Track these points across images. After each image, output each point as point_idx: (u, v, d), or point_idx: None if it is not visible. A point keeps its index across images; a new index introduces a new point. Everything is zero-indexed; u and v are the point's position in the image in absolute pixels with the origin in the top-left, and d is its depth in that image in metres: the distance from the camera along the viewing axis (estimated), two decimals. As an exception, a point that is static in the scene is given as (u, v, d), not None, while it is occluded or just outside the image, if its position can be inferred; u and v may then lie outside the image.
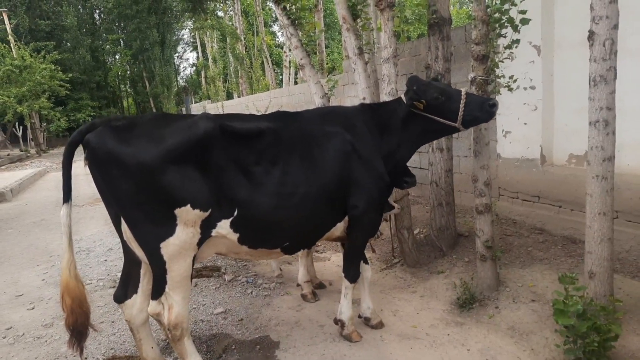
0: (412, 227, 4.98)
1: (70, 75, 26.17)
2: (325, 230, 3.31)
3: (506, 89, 3.81)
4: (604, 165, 3.13)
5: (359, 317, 3.84)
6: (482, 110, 3.22)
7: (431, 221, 5.19)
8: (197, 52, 38.68)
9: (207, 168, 2.71)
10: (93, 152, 2.58)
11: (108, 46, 40.10)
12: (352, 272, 3.55)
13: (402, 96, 3.48)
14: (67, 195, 2.68)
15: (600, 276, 3.24)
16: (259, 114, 3.45)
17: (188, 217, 2.67)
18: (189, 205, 2.65)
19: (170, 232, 2.67)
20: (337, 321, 3.63)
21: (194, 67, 49.64)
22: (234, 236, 2.90)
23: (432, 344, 3.53)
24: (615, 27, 2.97)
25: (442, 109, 3.29)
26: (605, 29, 2.96)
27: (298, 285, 4.50)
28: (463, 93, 3.24)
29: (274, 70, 20.89)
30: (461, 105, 3.23)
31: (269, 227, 2.98)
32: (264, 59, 18.73)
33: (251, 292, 4.64)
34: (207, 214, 2.73)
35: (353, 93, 8.89)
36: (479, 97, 3.38)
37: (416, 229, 5.64)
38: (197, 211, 2.68)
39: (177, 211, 2.64)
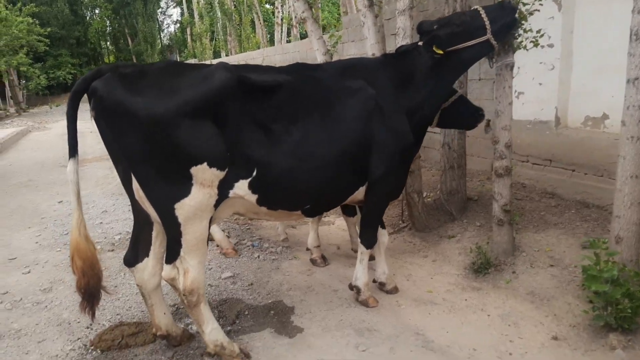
0: (421, 190, 4.84)
1: (48, 29, 25.00)
2: (348, 194, 3.13)
3: (531, 44, 3.58)
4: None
5: (374, 281, 3.73)
6: (505, 11, 3.23)
7: (441, 185, 5.05)
8: (182, 8, 37.14)
9: (224, 123, 2.47)
10: (100, 102, 2.32)
11: (87, -1, 38.28)
12: (369, 237, 3.40)
13: (420, 45, 3.26)
14: (73, 150, 2.44)
15: (628, 241, 3.15)
16: None
17: (204, 177, 2.46)
18: (205, 164, 2.43)
19: (186, 192, 2.46)
20: (352, 287, 3.51)
21: (178, 25, 47.85)
22: (253, 197, 2.71)
23: (451, 309, 3.45)
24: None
25: (468, 32, 3.18)
26: (655, -23, 2.74)
27: (307, 249, 4.35)
28: (479, 8, 3.21)
29: (264, 28, 20.11)
30: (484, 17, 3.16)
31: (288, 189, 2.79)
32: (255, 15, 17.94)
33: (258, 256, 4.49)
34: (224, 173, 2.52)
35: (353, 51, 8.55)
36: (494, 4, 3.33)
37: (423, 192, 5.51)
38: (213, 170, 2.46)
39: (193, 170, 2.42)
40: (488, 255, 3.97)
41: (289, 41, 17.04)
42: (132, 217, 2.90)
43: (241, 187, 2.64)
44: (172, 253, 2.60)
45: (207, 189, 2.50)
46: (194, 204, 2.49)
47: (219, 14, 22.35)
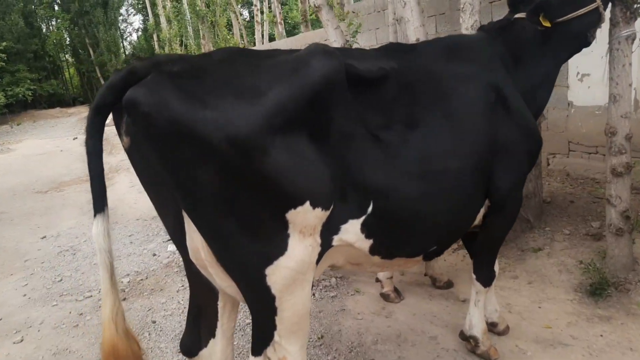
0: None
1: (3, 44, 23.27)
2: (473, 219, 2.30)
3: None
4: None
5: (480, 322, 2.92)
6: None
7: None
8: (146, 13, 35.56)
9: (326, 137, 1.61)
10: (146, 122, 1.41)
11: (42, 10, 36.18)
12: (486, 272, 2.60)
13: (519, 17, 2.50)
14: (100, 202, 1.52)
15: None
16: None
17: (306, 222, 1.59)
18: (307, 203, 1.56)
19: (281, 248, 1.59)
20: (467, 337, 2.69)
21: (142, 32, 46.01)
22: (365, 244, 1.85)
23: (589, 351, 2.68)
24: None
25: (568, 3, 2.48)
26: None
27: (377, 280, 3.51)
28: None
29: (243, 28, 19.01)
30: None
31: (415, 226, 1.95)
32: (233, 14, 16.80)
33: (313, 294, 3.63)
34: (328, 212, 1.66)
35: (370, 42, 7.63)
36: None
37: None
38: (318, 211, 1.60)
39: (291, 215, 1.55)
40: (603, 273, 3.22)
41: (271, 40, 16.16)
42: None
43: (351, 231, 1.78)
44: (262, 338, 1.73)
45: (308, 240, 1.64)
46: (294, 264, 1.62)
47: (190, 16, 21.15)
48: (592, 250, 3.62)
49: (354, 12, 6.14)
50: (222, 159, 1.41)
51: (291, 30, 18.20)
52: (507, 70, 2.41)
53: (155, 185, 1.61)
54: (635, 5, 2.77)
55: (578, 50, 2.71)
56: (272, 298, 1.64)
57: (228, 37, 16.90)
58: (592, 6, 2.52)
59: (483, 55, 2.36)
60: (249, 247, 1.56)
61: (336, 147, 1.63)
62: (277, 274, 1.61)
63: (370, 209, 1.76)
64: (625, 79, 2.94)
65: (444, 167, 1.91)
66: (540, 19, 2.45)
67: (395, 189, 1.78)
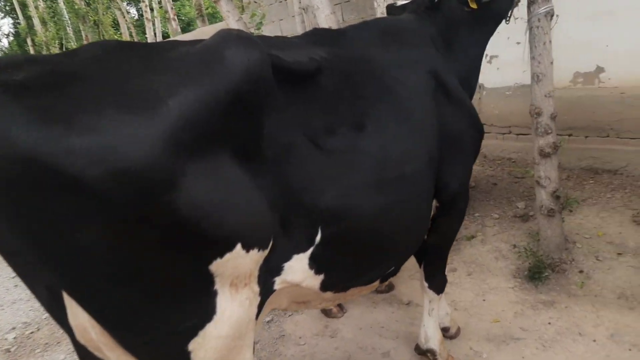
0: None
1: None
2: (428, 225, 2.03)
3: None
4: None
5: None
6: None
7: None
8: (17, 16, 31.72)
9: (255, 152, 1.22)
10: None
11: None
12: (439, 278, 2.37)
13: None
14: None
15: None
16: None
17: (238, 271, 1.19)
18: (238, 247, 1.15)
19: (207, 313, 1.16)
20: (424, 351, 2.46)
21: (12, 36, 41.06)
22: (315, 280, 1.49)
23: (542, 342, 2.58)
24: None
25: None
26: None
27: (315, 298, 3.17)
28: None
29: (132, 25, 17.41)
30: None
31: (374, 247, 1.61)
32: (118, 12, 15.24)
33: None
34: (267, 251, 1.27)
35: (278, 33, 7.19)
36: None
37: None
38: (253, 253, 1.20)
39: (217, 265, 1.13)
40: (539, 255, 3.19)
41: (165, 37, 14.96)
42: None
43: (296, 269, 1.41)
44: None
45: (244, 293, 1.23)
46: (227, 330, 1.20)
47: (68, 16, 19.05)
48: (523, 232, 3.61)
49: (255, 2, 5.70)
50: (107, 207, 0.95)
51: (186, 27, 17.12)
52: (442, 54, 2.18)
53: (10, 255, 1.10)
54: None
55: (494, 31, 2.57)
56: (200, 379, 1.22)
57: (116, 36, 15.45)
58: None
59: (418, 39, 2.09)
60: (161, 320, 1.12)
61: (271, 164, 1.23)
62: (205, 348, 1.18)
63: (318, 237, 1.39)
64: (547, 57, 2.87)
65: (400, 173, 1.59)
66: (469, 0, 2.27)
67: (349, 208, 1.42)
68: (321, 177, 1.36)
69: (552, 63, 2.89)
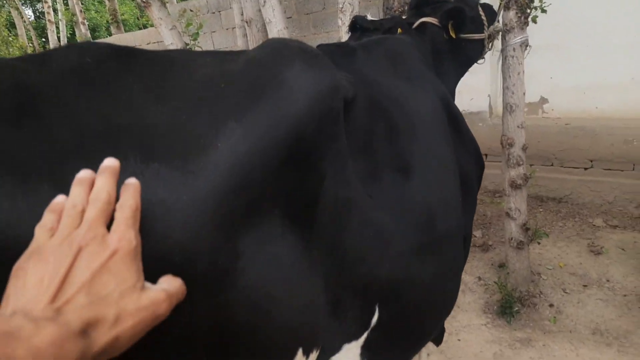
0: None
1: None
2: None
3: (539, 11, 2.79)
4: None
5: (414, 379, 2.46)
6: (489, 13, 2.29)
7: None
8: None
9: (312, 214, 0.82)
10: None
11: None
12: (440, 329, 2.12)
13: (429, 19, 2.15)
14: None
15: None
16: None
17: None
18: (299, 353, 0.79)
19: None
20: (419, 409, 2.17)
21: None
22: None
23: (529, 388, 2.44)
24: None
25: (479, 21, 2.24)
26: None
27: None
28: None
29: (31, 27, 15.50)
30: (480, 12, 2.24)
31: (428, 319, 1.30)
32: (15, 11, 13.36)
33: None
34: (319, 349, 0.91)
35: (226, 43, 6.60)
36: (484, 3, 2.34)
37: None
38: (312, 356, 0.84)
39: None
40: (508, 289, 3.10)
41: (70, 40, 13.41)
42: None
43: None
44: None
45: None
46: None
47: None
48: (485, 264, 3.53)
49: (192, 11, 5.22)
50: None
51: (91, 33, 15.74)
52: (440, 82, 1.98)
53: None
54: (528, 10, 2.64)
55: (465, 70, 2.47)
56: None
57: (10, 39, 13.73)
58: (482, 36, 2.31)
59: (424, 63, 1.86)
60: None
61: (326, 229, 0.88)
62: None
63: (375, 319, 1.05)
64: (520, 88, 2.81)
65: (448, 224, 1.31)
66: (450, 26, 2.11)
67: (407, 277, 1.10)
68: (378, 240, 1.03)
69: (524, 94, 2.84)
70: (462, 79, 3.42)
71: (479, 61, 2.46)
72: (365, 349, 1.05)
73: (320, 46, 1.62)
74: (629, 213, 3.82)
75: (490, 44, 2.38)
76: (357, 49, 1.62)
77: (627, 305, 2.86)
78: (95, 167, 0.53)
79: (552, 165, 4.24)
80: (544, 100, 4.26)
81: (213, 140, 0.62)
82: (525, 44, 2.75)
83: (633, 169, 3.87)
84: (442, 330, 2.12)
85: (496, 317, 3.02)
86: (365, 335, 1.04)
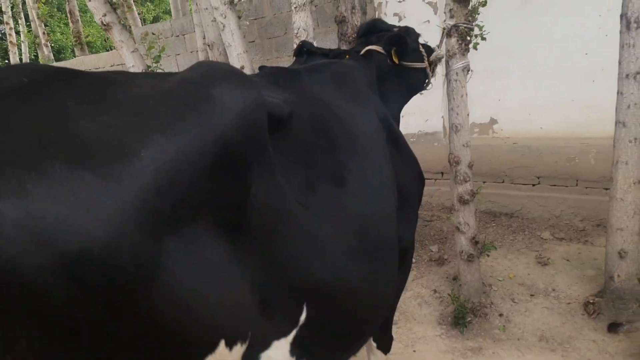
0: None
1: None
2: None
3: (479, 38, 3.00)
4: (643, 126, 2.65)
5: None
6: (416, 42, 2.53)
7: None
8: None
9: (241, 219, 0.94)
10: None
11: None
12: (387, 338, 2.22)
13: (374, 47, 2.33)
14: None
15: (632, 254, 2.82)
16: None
17: None
18: (221, 345, 0.88)
19: None
20: (370, 418, 2.24)
21: None
22: None
23: (479, 395, 2.54)
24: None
25: (419, 51, 2.48)
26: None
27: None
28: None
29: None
30: (421, 48, 2.49)
31: (361, 320, 1.40)
32: None
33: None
34: (247, 343, 1.00)
35: (174, 68, 6.72)
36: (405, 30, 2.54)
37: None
38: (236, 349, 0.93)
39: None
40: (461, 301, 3.23)
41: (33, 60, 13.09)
42: None
43: (276, 358, 1.14)
44: None
45: None
46: None
47: None
48: (440, 277, 3.66)
49: (154, 34, 5.30)
50: (52, 311, 0.62)
51: (56, 55, 15.50)
52: (385, 103, 2.14)
53: None
54: (468, 37, 2.84)
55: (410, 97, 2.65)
56: None
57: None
58: (424, 65, 2.51)
59: (367, 87, 2.01)
60: None
61: (254, 234, 0.98)
62: None
63: (303, 317, 1.14)
64: (464, 109, 2.99)
65: (381, 233, 1.43)
66: (393, 52, 2.30)
67: (337, 279, 1.20)
68: (308, 244, 1.13)
69: (468, 115, 3.03)
70: (418, 102, 3.65)
71: (426, 88, 2.65)
72: (294, 346, 1.14)
73: (263, 68, 1.75)
74: (574, 226, 4.05)
75: (433, 72, 2.56)
76: (302, 72, 1.75)
77: (570, 312, 3.02)
78: (25, 174, 0.61)
79: (502, 182, 4.46)
80: (493, 121, 4.51)
81: (138, 151, 0.71)
82: (467, 69, 2.94)
83: (576, 185, 4.12)
84: (390, 338, 2.22)
85: (450, 328, 3.14)
86: (294, 332, 1.13)
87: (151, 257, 0.70)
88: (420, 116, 4.75)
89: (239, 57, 3.80)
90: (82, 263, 0.61)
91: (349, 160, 1.43)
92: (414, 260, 3.90)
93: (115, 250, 0.64)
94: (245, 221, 0.94)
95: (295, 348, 1.15)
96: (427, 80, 2.59)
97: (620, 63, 2.62)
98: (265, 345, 1.08)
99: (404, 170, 1.92)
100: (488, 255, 3.43)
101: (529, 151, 4.23)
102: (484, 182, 4.58)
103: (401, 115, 4.81)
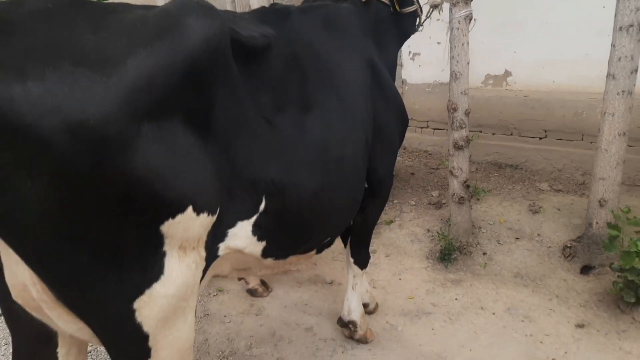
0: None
1: None
2: (360, 204, 2.16)
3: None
4: (631, 79, 2.75)
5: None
6: None
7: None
8: None
9: (207, 122, 1.25)
10: None
11: None
12: (363, 255, 2.54)
13: None
14: None
15: (612, 203, 2.98)
16: None
17: (188, 234, 1.23)
18: (189, 209, 1.20)
19: (155, 273, 1.19)
20: (346, 323, 2.60)
21: None
22: (257, 247, 1.56)
23: (450, 317, 2.86)
24: None
25: None
26: None
27: (240, 279, 3.21)
28: None
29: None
30: None
31: (313, 219, 1.71)
32: None
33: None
34: (215, 217, 1.32)
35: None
36: None
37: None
38: (203, 217, 1.25)
39: (168, 227, 1.17)
40: (449, 239, 3.49)
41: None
42: None
43: (240, 235, 1.47)
44: None
45: (191, 256, 1.27)
46: (173, 290, 1.24)
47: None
48: (436, 218, 3.91)
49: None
50: (59, 160, 0.94)
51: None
52: (377, 48, 2.34)
53: None
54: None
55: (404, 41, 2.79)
56: (145, 337, 1.24)
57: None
58: (414, 8, 2.63)
59: (358, 29, 2.22)
60: (108, 278, 1.12)
61: (220, 135, 1.28)
62: (150, 307, 1.20)
63: (262, 206, 1.46)
64: (464, 57, 3.13)
65: (339, 154, 1.72)
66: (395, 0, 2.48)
67: (291, 182, 1.52)
68: (267, 151, 1.44)
69: (468, 63, 3.17)
70: (434, 52, 3.79)
71: (418, 30, 2.79)
72: (256, 227, 1.47)
73: (275, 5, 1.99)
74: (574, 179, 4.18)
75: (427, 16, 2.69)
76: (293, 12, 1.98)
77: (548, 254, 3.25)
78: (45, 66, 0.91)
79: (511, 134, 4.58)
80: (507, 74, 4.56)
81: (125, 58, 1.01)
82: (469, 18, 3.06)
83: (582, 139, 4.21)
84: (367, 256, 2.54)
85: (436, 262, 3.43)
86: (255, 217, 1.45)
87: (132, 132, 1.00)
88: (436, 65, 4.85)
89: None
90: (81, 127, 0.92)
91: (319, 92, 1.70)
92: (413, 202, 4.17)
93: (104, 120, 0.95)
94: (212, 124, 1.24)
95: (256, 230, 1.48)
96: (417, 23, 2.73)
97: (615, 15, 2.68)
98: (231, 224, 1.41)
99: (386, 110, 2.15)
100: (478, 200, 3.65)
101: (538, 104, 4.30)
102: (493, 134, 4.71)
103: (418, 65, 4.93)
